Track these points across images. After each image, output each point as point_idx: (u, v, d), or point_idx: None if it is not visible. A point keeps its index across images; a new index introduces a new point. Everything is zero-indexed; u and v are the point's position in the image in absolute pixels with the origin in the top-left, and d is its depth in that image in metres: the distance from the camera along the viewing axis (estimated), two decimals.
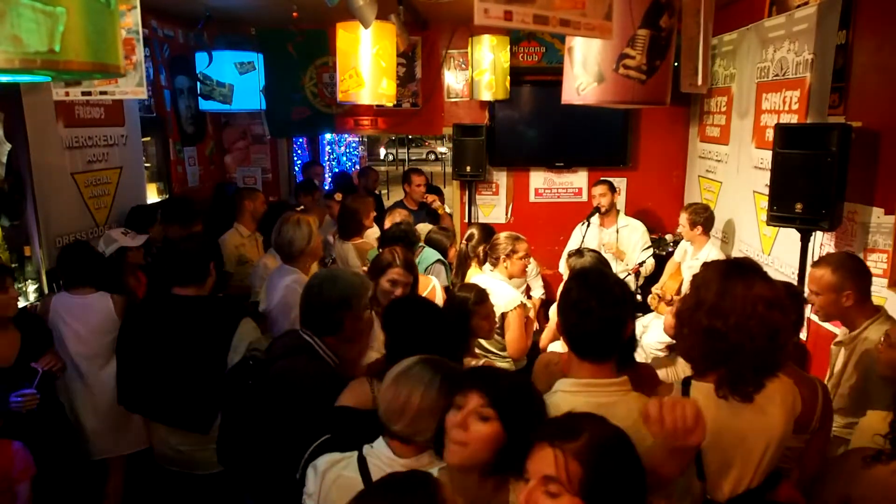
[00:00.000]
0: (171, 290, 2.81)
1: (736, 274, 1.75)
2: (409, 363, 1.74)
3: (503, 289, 3.47)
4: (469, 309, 2.83)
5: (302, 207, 5.20)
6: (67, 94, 3.08)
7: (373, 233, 4.67)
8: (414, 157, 21.59)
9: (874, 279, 2.68)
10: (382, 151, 22.16)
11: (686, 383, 1.83)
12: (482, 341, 3.43)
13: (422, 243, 4.22)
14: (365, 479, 1.62)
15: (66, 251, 3.34)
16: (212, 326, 2.71)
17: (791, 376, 2.09)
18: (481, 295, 2.91)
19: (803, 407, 1.92)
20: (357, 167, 11.15)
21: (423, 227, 4.59)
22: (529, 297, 4.60)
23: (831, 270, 2.54)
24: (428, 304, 2.57)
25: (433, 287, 3.48)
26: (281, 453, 2.09)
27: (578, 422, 1.33)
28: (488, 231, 4.07)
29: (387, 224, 4.36)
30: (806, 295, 2.79)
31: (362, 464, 1.65)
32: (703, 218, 4.43)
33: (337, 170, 11.57)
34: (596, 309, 1.73)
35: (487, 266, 3.75)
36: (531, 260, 4.23)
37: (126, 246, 3.67)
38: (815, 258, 3.42)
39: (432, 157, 21.89)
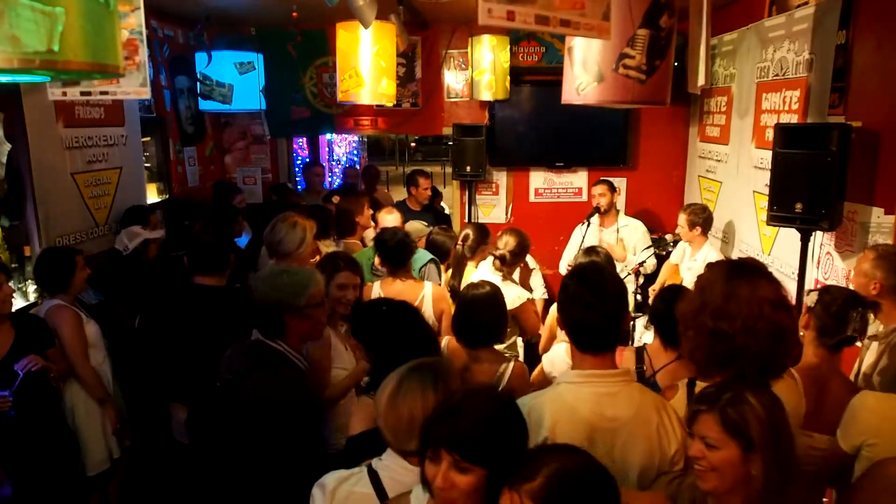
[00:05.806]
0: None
1: (741, 275, 1.75)
2: (397, 380, 1.66)
3: (509, 288, 3.47)
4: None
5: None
6: (65, 93, 3.05)
7: (371, 233, 4.60)
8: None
9: None
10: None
11: (691, 385, 1.83)
12: None
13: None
14: (379, 493, 1.58)
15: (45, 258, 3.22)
16: None
17: (840, 386, 2.13)
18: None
19: None
20: (357, 167, 11.18)
21: (412, 226, 4.46)
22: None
23: (872, 257, 2.56)
24: (399, 303, 2.41)
25: (423, 297, 3.30)
26: (272, 480, 2.04)
27: (540, 459, 1.29)
28: (483, 231, 4.01)
29: (379, 222, 4.28)
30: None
31: (374, 478, 1.60)
32: (702, 218, 4.40)
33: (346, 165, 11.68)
34: (596, 304, 1.76)
35: (487, 266, 3.72)
36: (529, 258, 4.21)
37: (150, 238, 3.85)
38: (815, 258, 3.42)
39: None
